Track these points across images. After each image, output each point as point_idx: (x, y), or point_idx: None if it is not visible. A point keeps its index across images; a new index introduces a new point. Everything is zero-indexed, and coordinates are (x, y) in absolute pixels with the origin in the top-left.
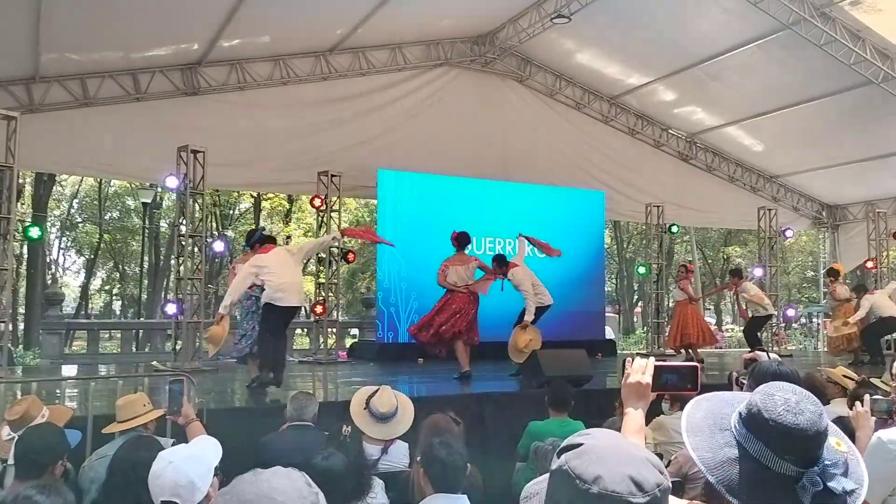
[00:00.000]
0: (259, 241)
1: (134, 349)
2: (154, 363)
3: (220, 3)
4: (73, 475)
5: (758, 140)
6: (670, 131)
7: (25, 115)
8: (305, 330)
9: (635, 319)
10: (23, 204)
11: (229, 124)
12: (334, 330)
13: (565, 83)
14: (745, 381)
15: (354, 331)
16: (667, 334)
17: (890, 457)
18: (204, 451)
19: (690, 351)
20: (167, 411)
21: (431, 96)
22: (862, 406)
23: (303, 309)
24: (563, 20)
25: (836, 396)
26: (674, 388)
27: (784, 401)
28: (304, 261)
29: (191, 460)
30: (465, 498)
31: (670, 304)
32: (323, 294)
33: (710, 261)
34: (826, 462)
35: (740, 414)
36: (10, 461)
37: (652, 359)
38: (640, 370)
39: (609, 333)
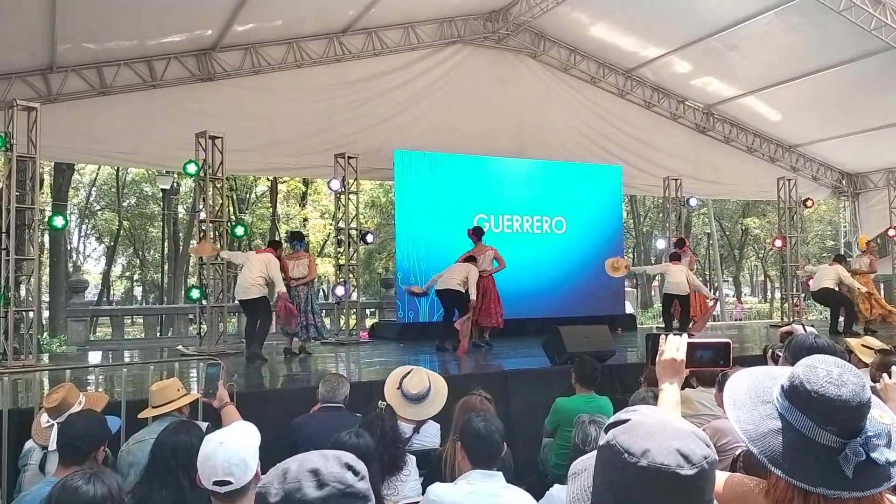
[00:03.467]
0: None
1: (158, 334)
2: (179, 347)
3: None
4: (111, 460)
5: (776, 109)
6: (687, 103)
7: (45, 106)
8: (325, 311)
9: (653, 294)
10: (43, 193)
11: (245, 109)
12: (355, 311)
13: (580, 57)
14: (780, 355)
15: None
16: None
17: None
18: (249, 431)
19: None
20: (203, 394)
21: (446, 75)
22: (890, 378)
23: (322, 291)
24: None
25: (858, 367)
26: (707, 364)
27: (827, 373)
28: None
29: (241, 438)
30: (500, 475)
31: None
32: (343, 275)
33: (727, 232)
34: (869, 433)
35: (782, 387)
36: (52, 447)
37: (685, 336)
38: (675, 347)
39: (629, 308)
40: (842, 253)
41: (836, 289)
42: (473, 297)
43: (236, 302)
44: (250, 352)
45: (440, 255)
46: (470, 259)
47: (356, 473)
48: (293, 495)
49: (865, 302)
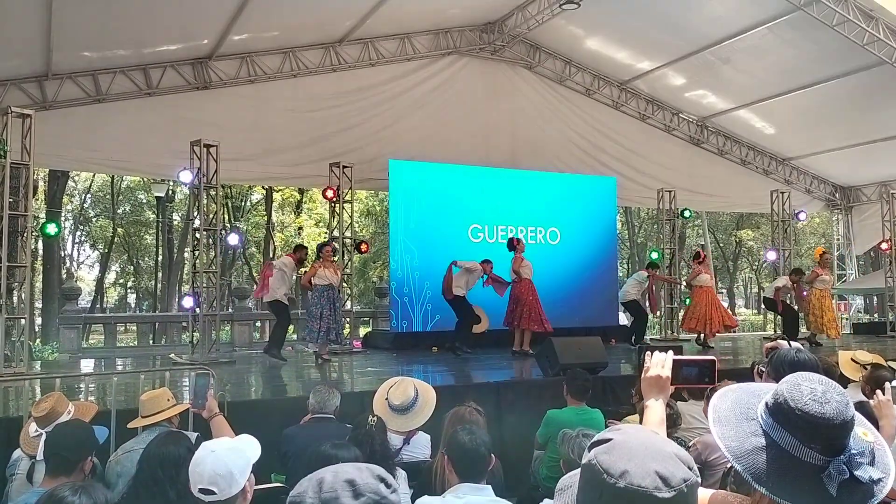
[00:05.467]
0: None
1: (151, 342)
2: (172, 356)
3: None
4: (100, 470)
5: (770, 123)
6: (681, 115)
7: (39, 113)
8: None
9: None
10: (37, 200)
11: (240, 118)
12: (348, 320)
13: (575, 69)
14: (764, 370)
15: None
16: (682, 318)
17: None
18: (245, 446)
19: (705, 337)
20: (192, 404)
21: (441, 85)
22: (883, 394)
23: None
24: (573, 6)
25: (850, 382)
26: (693, 381)
27: (811, 390)
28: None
29: (232, 452)
30: (489, 488)
31: (683, 289)
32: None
33: (722, 244)
34: (853, 451)
35: (767, 404)
36: (39, 457)
37: (671, 353)
38: (660, 364)
39: (623, 319)
40: (799, 267)
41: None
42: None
43: (230, 310)
44: (268, 352)
45: (434, 264)
46: (484, 263)
47: (388, 486)
48: None
49: (810, 313)
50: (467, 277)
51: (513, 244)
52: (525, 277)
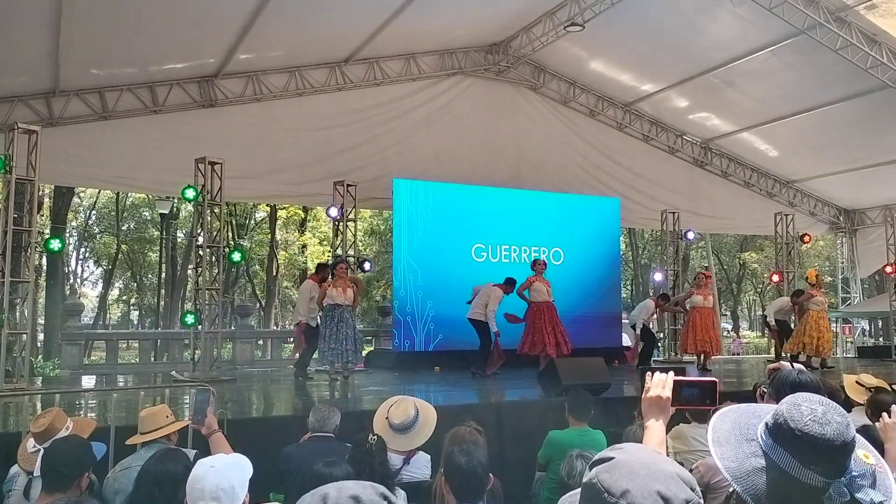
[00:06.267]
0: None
1: (153, 359)
2: (173, 373)
3: (236, 18)
4: (97, 487)
5: (773, 145)
6: (685, 137)
7: (46, 129)
8: None
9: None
10: (42, 216)
11: (246, 136)
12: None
13: (579, 90)
14: (766, 391)
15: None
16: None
17: None
18: (242, 462)
19: (703, 358)
20: (192, 421)
21: (445, 105)
22: (889, 417)
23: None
24: (577, 28)
25: (855, 405)
26: (694, 402)
27: (811, 411)
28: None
29: (232, 467)
30: None
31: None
32: None
33: (725, 266)
34: (853, 473)
35: (766, 424)
36: (36, 473)
37: (671, 373)
38: (660, 384)
39: (626, 340)
40: (801, 289)
41: (782, 319)
42: (491, 323)
43: (232, 328)
44: (295, 375)
45: (438, 283)
46: (507, 283)
47: (391, 503)
48: None
49: (806, 335)
50: (485, 300)
51: (532, 266)
52: (532, 301)
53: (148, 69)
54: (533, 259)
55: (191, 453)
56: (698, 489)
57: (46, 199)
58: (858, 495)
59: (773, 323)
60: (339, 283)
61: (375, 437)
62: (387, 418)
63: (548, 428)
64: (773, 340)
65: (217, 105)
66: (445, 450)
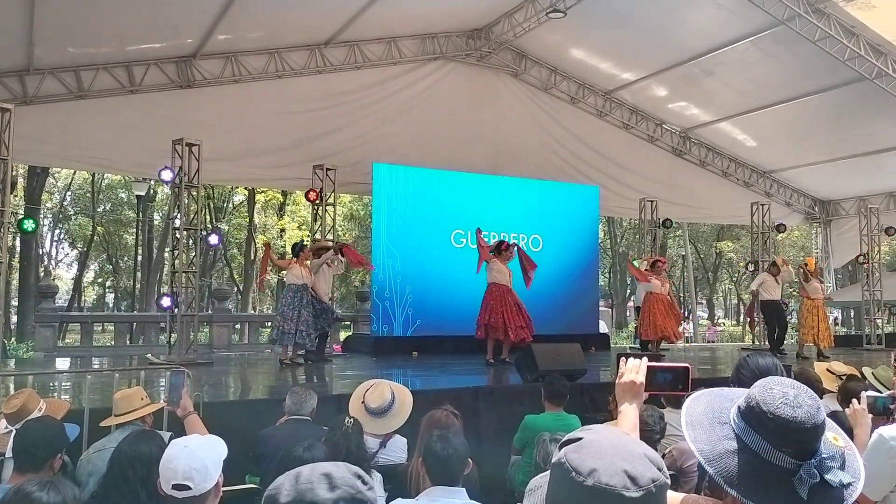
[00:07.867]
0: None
1: (128, 342)
2: (149, 356)
3: None
4: (70, 468)
5: (751, 135)
6: (664, 126)
7: (19, 108)
8: None
9: (628, 314)
10: (16, 196)
11: (224, 118)
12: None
13: (560, 78)
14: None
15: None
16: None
17: (893, 453)
18: (215, 443)
19: (658, 344)
20: (167, 402)
21: (426, 90)
22: (859, 403)
23: None
24: (559, 15)
25: (826, 392)
26: (666, 388)
27: (782, 394)
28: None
29: (205, 447)
30: (463, 491)
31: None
32: None
33: (702, 255)
34: (823, 455)
35: (739, 408)
36: (8, 454)
37: (645, 359)
38: (634, 370)
39: (603, 327)
40: (775, 261)
41: (769, 299)
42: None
43: (209, 311)
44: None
45: (417, 269)
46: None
47: (365, 483)
48: (305, 496)
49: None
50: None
51: (499, 247)
52: (491, 280)
53: (125, 48)
54: (502, 240)
55: (165, 435)
56: (665, 469)
57: (20, 180)
58: (828, 476)
59: (754, 289)
60: (304, 266)
61: (352, 420)
62: (363, 402)
63: (524, 412)
64: (748, 324)
65: (195, 86)
66: (423, 433)
